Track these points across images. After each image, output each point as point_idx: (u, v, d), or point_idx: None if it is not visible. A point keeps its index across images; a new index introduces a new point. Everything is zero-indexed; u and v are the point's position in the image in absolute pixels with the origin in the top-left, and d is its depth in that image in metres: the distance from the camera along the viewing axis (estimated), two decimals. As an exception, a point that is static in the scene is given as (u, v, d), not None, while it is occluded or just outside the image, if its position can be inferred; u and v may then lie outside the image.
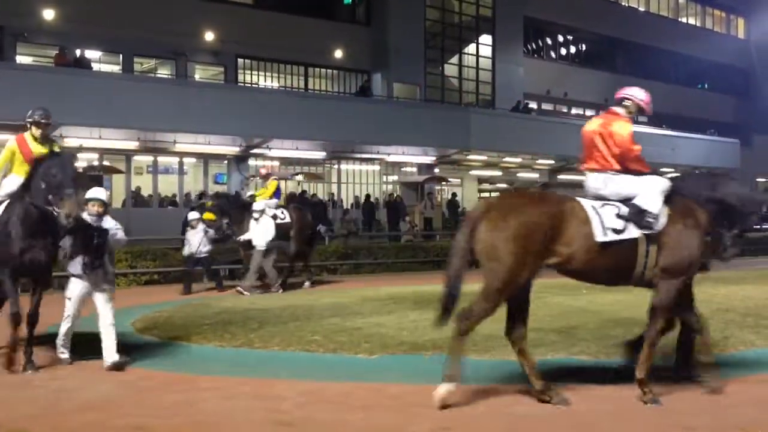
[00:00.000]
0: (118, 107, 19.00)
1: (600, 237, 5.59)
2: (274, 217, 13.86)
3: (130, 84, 20.69)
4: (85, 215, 7.08)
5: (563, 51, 37.05)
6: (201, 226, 14.06)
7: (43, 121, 7.39)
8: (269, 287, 13.74)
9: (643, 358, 5.74)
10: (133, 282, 15.57)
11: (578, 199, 5.85)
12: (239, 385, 6.35)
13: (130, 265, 15.62)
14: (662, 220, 5.72)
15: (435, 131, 24.78)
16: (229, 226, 13.73)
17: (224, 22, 25.35)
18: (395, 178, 28.25)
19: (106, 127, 19.73)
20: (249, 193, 16.36)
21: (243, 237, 13.68)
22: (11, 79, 18.13)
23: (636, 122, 6.51)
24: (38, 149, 7.32)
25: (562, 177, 31.74)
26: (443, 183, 28.68)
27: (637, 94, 6.26)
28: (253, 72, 27.84)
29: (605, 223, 5.63)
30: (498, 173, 31.79)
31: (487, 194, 33.37)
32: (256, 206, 13.78)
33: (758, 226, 32.53)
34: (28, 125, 7.44)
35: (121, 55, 24.60)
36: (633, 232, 5.67)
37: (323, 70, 29.43)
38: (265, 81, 27.97)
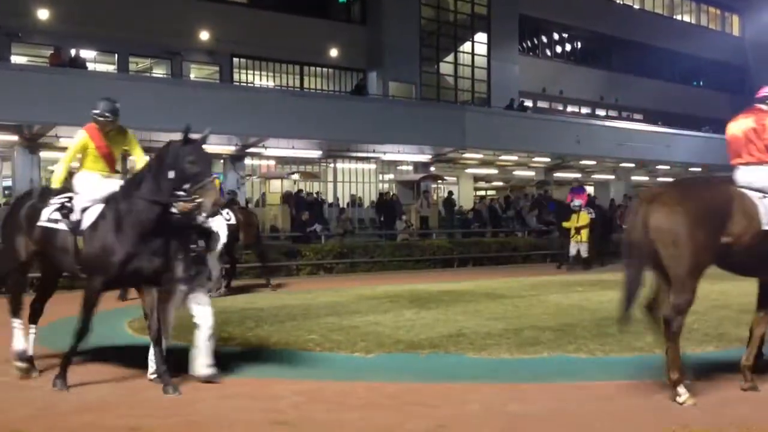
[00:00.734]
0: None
1: (766, 225, 5.70)
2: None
3: (125, 84, 20.61)
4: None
5: (558, 49, 37.07)
6: None
7: (110, 116, 6.71)
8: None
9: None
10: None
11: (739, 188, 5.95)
12: (236, 385, 6.34)
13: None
14: None
15: (430, 130, 24.77)
16: None
17: (219, 21, 25.34)
18: (391, 176, 28.26)
19: (102, 127, 19.67)
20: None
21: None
22: (6, 79, 18.06)
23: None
24: (113, 143, 6.77)
25: (557, 175, 31.81)
26: (439, 181, 28.69)
27: None
28: (249, 71, 27.82)
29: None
30: (494, 171, 31.83)
31: (483, 192, 33.47)
32: None
33: None
34: (96, 119, 6.74)
35: (116, 55, 24.57)
36: None
37: (319, 69, 29.41)
38: (260, 80, 27.96)
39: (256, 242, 14.84)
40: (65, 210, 6.38)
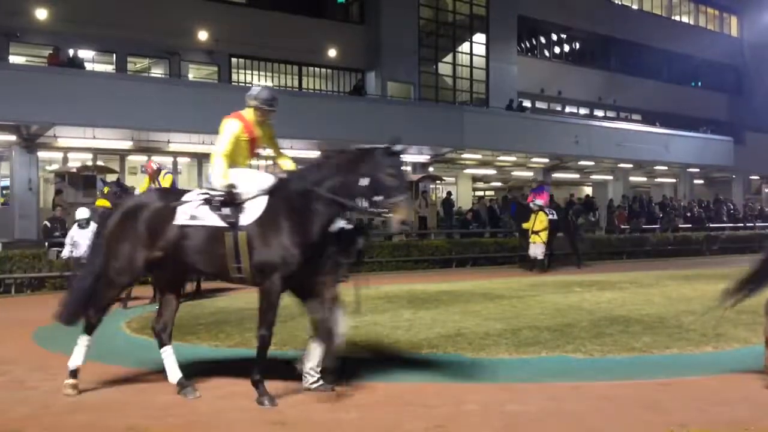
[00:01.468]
0: (112, 107, 18.94)
1: None
2: None
3: (123, 84, 20.62)
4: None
5: (557, 49, 37.06)
6: (92, 226, 11.45)
7: (268, 107, 6.42)
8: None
9: None
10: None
11: None
12: (234, 385, 6.34)
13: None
14: None
15: (429, 130, 24.76)
16: None
17: (217, 21, 25.32)
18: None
19: (100, 126, 19.67)
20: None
21: None
22: (4, 79, 18.05)
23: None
24: (262, 134, 6.41)
25: (556, 175, 31.82)
26: (438, 182, 28.69)
27: None
28: (247, 71, 27.79)
29: None
30: (492, 172, 31.85)
31: (481, 193, 33.47)
32: None
33: (751, 224, 32.52)
34: (253, 106, 6.36)
35: (114, 55, 24.52)
36: None
37: (317, 69, 29.39)
38: (258, 80, 27.90)
39: None
40: (218, 205, 5.88)
